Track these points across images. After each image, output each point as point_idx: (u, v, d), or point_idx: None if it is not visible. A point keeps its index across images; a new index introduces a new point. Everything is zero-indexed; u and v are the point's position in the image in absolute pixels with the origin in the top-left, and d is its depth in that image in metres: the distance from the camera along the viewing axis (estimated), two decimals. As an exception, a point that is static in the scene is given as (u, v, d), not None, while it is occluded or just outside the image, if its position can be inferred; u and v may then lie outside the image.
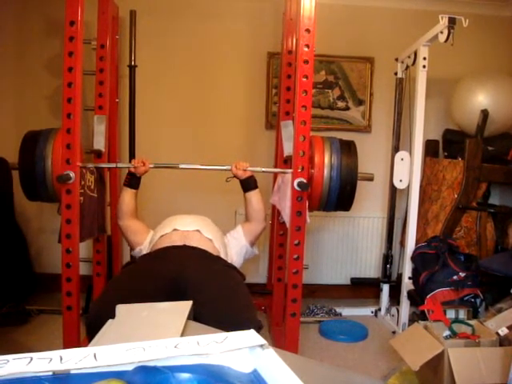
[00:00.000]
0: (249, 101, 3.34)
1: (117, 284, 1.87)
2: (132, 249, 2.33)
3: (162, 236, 2.14)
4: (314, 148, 2.22)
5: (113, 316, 1.19)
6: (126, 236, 2.33)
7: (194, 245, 2.05)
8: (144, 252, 2.21)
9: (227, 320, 1.56)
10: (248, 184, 2.29)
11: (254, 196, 2.30)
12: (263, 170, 2.40)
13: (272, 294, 2.88)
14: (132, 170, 2.26)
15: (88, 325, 1.58)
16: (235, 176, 2.29)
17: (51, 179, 2.15)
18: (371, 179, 2.36)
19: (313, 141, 2.23)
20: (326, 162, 2.20)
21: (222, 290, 1.75)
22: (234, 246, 2.31)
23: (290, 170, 2.16)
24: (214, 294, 1.70)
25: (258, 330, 1.57)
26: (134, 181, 2.29)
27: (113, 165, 2.64)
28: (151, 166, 2.27)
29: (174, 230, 2.16)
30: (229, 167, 2.28)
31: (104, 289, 1.98)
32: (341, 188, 2.21)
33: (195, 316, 1.25)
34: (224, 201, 3.24)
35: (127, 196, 2.28)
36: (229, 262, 2.14)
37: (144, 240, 2.26)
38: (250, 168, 2.28)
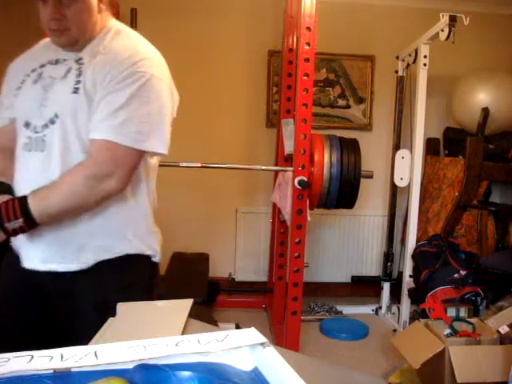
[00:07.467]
0: (249, 99, 3.33)
1: None
2: None
3: None
4: (313, 146, 2.22)
5: None
6: None
7: None
8: None
9: None
10: None
11: None
12: (263, 168, 2.40)
13: (273, 292, 2.89)
14: None
15: None
16: None
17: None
18: (370, 177, 2.36)
19: (313, 139, 2.23)
20: (326, 160, 2.20)
21: None
22: None
23: (290, 168, 2.16)
24: None
25: None
26: None
27: None
28: None
29: None
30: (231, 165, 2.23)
31: None
32: (341, 186, 2.21)
33: None
34: (225, 199, 3.25)
35: None
36: None
37: None
38: (250, 166, 2.27)
